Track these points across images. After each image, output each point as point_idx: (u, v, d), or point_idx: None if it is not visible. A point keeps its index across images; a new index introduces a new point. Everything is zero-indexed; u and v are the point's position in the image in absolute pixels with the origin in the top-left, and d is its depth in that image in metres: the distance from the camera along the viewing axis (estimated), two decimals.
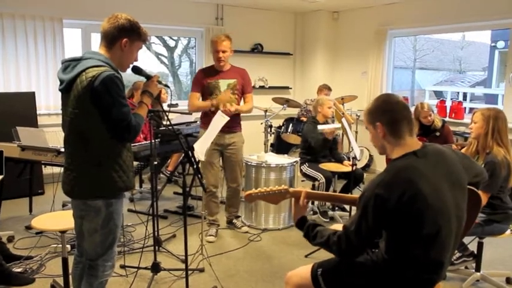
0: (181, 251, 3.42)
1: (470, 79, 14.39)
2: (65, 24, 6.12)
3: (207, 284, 3.44)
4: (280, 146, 6.64)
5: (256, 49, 7.82)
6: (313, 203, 5.08)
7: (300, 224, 2.18)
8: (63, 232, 2.83)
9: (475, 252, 3.47)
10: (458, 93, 13.18)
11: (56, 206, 4.44)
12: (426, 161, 1.87)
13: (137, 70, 2.57)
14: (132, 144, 4.38)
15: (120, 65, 2.38)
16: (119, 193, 2.39)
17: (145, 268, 3.47)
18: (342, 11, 7.81)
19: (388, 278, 1.91)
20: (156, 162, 3.57)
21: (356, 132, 6.78)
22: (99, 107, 2.18)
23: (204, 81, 4.17)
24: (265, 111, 6.41)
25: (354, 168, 4.39)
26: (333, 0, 6.91)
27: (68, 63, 2.29)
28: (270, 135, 6.60)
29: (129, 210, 5.00)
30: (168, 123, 3.07)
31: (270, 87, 7.97)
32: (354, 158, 4.27)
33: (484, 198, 3.10)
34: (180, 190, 5.91)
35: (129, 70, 2.53)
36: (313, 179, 4.78)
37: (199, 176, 3.05)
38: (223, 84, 4.17)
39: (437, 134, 4.86)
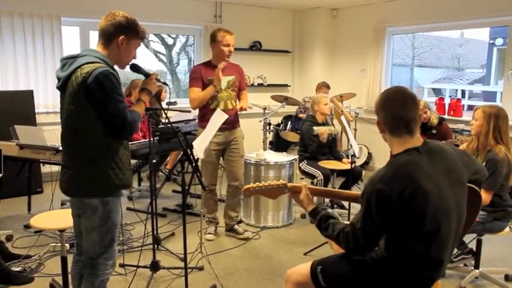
0: (180, 249, 3.42)
1: (469, 76, 14.39)
2: (63, 22, 6.10)
3: (207, 282, 3.44)
4: (279, 144, 6.64)
5: (255, 47, 7.82)
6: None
7: (313, 214, 2.17)
8: (62, 231, 2.82)
9: (474, 249, 3.47)
10: (456, 90, 13.19)
11: (54, 204, 4.43)
12: (427, 158, 1.86)
13: (135, 68, 2.56)
14: (131, 143, 4.39)
15: (118, 62, 2.37)
16: (116, 191, 2.38)
17: (145, 267, 3.46)
18: (340, 8, 7.80)
19: (388, 276, 1.91)
20: (154, 161, 3.56)
21: (355, 129, 6.77)
22: (93, 104, 2.17)
23: (204, 77, 4.02)
24: (264, 108, 6.41)
25: (353, 166, 4.39)
26: None
27: (66, 61, 2.29)
28: (269, 133, 6.60)
29: (128, 209, 4.99)
30: (166, 121, 3.06)
31: (268, 85, 7.96)
32: (353, 155, 4.27)
33: (487, 197, 3.10)
34: (179, 188, 5.90)
35: (128, 68, 2.52)
36: (312, 176, 4.79)
37: (198, 174, 3.03)
38: (223, 81, 4.04)
39: (434, 131, 4.85)
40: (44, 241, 4.05)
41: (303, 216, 5.02)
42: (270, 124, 6.51)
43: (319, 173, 4.70)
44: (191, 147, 3.40)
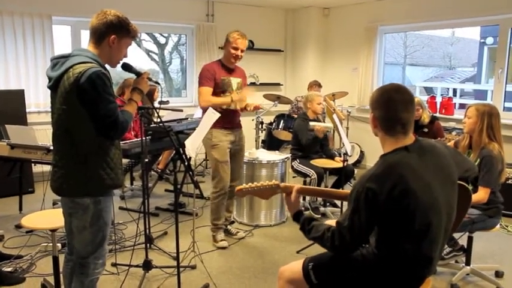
0: (172, 248, 3.41)
1: (460, 75, 14.50)
2: (54, 21, 6.07)
3: (199, 281, 3.44)
4: (271, 143, 6.65)
5: (247, 45, 7.79)
6: (304, 199, 5.09)
7: (297, 218, 2.18)
8: (53, 230, 2.81)
9: (465, 246, 3.50)
10: (448, 89, 13.28)
11: (46, 204, 4.40)
12: (417, 156, 1.87)
13: (127, 67, 2.56)
14: (123, 142, 4.38)
15: (109, 61, 2.36)
16: (107, 190, 2.38)
17: (137, 266, 3.45)
18: (332, 7, 7.82)
19: (379, 273, 1.92)
20: (147, 160, 3.55)
21: (347, 128, 6.80)
22: (85, 104, 2.17)
23: (218, 77, 3.91)
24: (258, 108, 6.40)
25: (345, 164, 4.40)
26: None
27: (57, 61, 2.28)
28: (261, 132, 6.61)
29: (121, 208, 4.98)
30: (158, 120, 3.06)
31: (261, 84, 7.97)
32: (345, 154, 4.29)
33: (485, 194, 3.12)
34: (171, 187, 5.89)
35: (119, 67, 2.52)
36: (305, 175, 4.80)
37: (191, 173, 3.03)
38: (234, 82, 4.01)
39: (425, 130, 4.88)
40: (35, 241, 4.03)
41: None
42: (262, 123, 6.52)
43: (313, 172, 4.71)
44: (183, 146, 3.39)
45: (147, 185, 3.63)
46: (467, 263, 3.47)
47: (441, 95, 11.52)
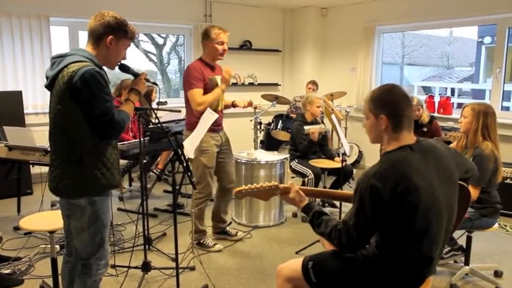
0: (171, 249, 3.41)
1: (458, 74, 14.52)
2: (52, 22, 6.05)
3: (198, 282, 3.43)
4: (269, 143, 6.65)
5: (245, 46, 7.81)
6: None
7: (306, 210, 2.17)
8: (51, 232, 2.80)
9: (464, 246, 3.50)
10: (446, 88, 13.29)
11: (44, 206, 4.39)
12: (420, 156, 1.88)
13: (124, 68, 2.55)
14: (122, 143, 4.38)
15: (106, 62, 2.36)
16: (103, 191, 2.36)
17: (136, 267, 3.45)
18: (330, 7, 7.82)
19: (379, 273, 1.92)
20: (145, 161, 3.55)
21: (345, 128, 6.79)
22: (79, 103, 2.16)
23: (206, 77, 3.81)
24: (255, 108, 6.40)
25: (344, 164, 4.40)
26: None
27: (54, 60, 2.29)
28: (260, 132, 6.60)
29: (119, 209, 4.97)
30: (156, 121, 3.05)
31: (259, 84, 7.96)
32: (344, 154, 4.28)
33: (474, 192, 3.12)
34: (170, 188, 5.88)
35: (117, 68, 2.51)
36: (303, 175, 4.80)
37: (189, 174, 3.03)
38: (218, 80, 3.93)
39: (425, 129, 4.89)
40: (33, 243, 4.02)
41: (294, 215, 5.03)
42: (260, 123, 6.51)
43: (310, 171, 4.71)
44: (181, 147, 3.39)
45: (146, 186, 3.63)
46: (467, 263, 3.47)
47: (439, 94, 11.53)
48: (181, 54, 8.02)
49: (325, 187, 5.02)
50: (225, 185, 4.16)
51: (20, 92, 5.59)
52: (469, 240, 3.43)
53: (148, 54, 8.59)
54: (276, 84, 8.30)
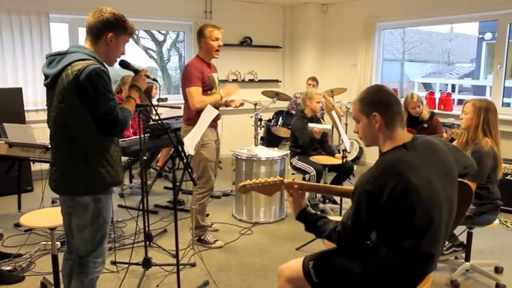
0: (172, 245, 3.41)
1: (459, 71, 14.49)
2: (52, 19, 6.04)
3: (199, 278, 3.43)
4: (270, 140, 6.64)
5: (246, 42, 7.80)
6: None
7: (300, 219, 2.18)
8: (52, 229, 2.80)
9: (465, 242, 3.50)
10: (446, 85, 13.27)
11: (45, 202, 4.39)
12: (416, 153, 1.87)
13: (125, 64, 2.54)
14: (122, 140, 4.37)
15: (106, 59, 2.35)
16: (107, 189, 2.37)
17: (137, 264, 3.45)
18: (330, 3, 7.80)
19: (380, 270, 1.91)
20: (145, 157, 3.54)
21: (346, 124, 6.79)
22: (85, 101, 2.15)
23: (205, 75, 3.85)
24: (255, 104, 6.39)
25: (344, 160, 4.40)
26: None
27: (53, 58, 2.26)
28: (260, 129, 6.59)
29: (120, 206, 4.97)
30: (157, 117, 3.05)
31: (259, 81, 7.97)
32: (344, 150, 4.28)
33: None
34: (170, 185, 5.88)
35: (117, 65, 2.50)
36: (304, 172, 4.80)
37: (190, 170, 3.02)
38: (215, 78, 4.00)
39: (425, 125, 4.89)
40: (34, 240, 4.02)
41: None
42: (261, 120, 6.50)
43: (312, 168, 4.71)
44: (182, 143, 3.39)
45: (146, 183, 3.63)
46: (467, 259, 3.47)
47: (440, 91, 11.51)
48: (182, 51, 8.01)
49: (325, 183, 5.02)
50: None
51: (20, 89, 5.58)
52: (469, 236, 3.43)
53: (149, 50, 8.57)
54: (277, 81, 8.30)
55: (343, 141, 4.25)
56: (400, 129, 1.94)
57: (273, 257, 3.87)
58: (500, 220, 4.48)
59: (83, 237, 2.36)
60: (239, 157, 4.67)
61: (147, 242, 3.54)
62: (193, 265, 3.64)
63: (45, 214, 2.91)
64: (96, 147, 2.27)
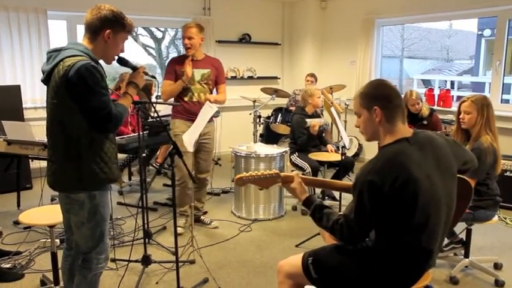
0: (171, 243, 3.41)
1: (458, 67, 14.49)
2: (50, 16, 6.02)
3: (198, 275, 3.43)
4: (269, 136, 6.64)
5: (244, 39, 7.78)
6: None
7: (307, 203, 2.17)
8: (51, 226, 2.81)
9: (464, 239, 3.50)
10: (446, 81, 13.27)
11: (44, 200, 4.39)
12: (417, 148, 1.87)
13: (123, 61, 2.53)
14: (121, 137, 4.37)
15: (104, 56, 2.34)
16: (102, 185, 2.36)
17: (136, 261, 3.45)
18: (329, 0, 7.78)
19: (379, 267, 1.92)
20: (144, 154, 3.54)
21: (345, 121, 6.79)
22: (74, 97, 2.14)
23: (177, 69, 4.07)
24: (254, 101, 6.40)
25: (343, 157, 4.40)
26: None
27: (50, 54, 2.27)
28: (259, 126, 6.59)
29: (119, 203, 4.97)
30: (155, 114, 3.04)
31: (258, 78, 7.95)
32: (343, 147, 4.28)
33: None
34: (169, 182, 5.88)
35: (116, 62, 2.50)
36: (302, 169, 4.80)
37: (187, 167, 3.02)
38: (197, 74, 4.09)
39: (425, 122, 4.89)
40: (33, 237, 4.02)
41: (294, 208, 5.03)
42: (260, 117, 6.51)
43: (307, 165, 4.72)
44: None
45: (145, 180, 3.62)
46: (466, 255, 3.47)
47: (439, 87, 11.51)
48: (180, 48, 7.99)
49: None
50: (196, 174, 4.34)
51: (19, 86, 5.56)
52: (468, 232, 3.44)
53: (147, 48, 8.57)
54: (276, 78, 8.29)
55: (342, 138, 4.24)
56: (401, 123, 1.94)
57: (272, 253, 3.87)
58: (499, 216, 4.48)
59: (83, 234, 2.36)
60: (238, 154, 4.67)
61: (147, 239, 3.55)
62: (192, 262, 3.64)
63: (44, 212, 2.92)
64: (89, 144, 2.25)
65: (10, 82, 5.74)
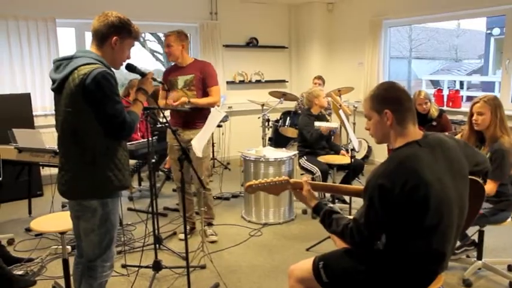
0: (182, 248, 3.41)
1: (467, 67, 14.40)
2: (58, 24, 6.08)
3: (209, 280, 3.43)
4: (278, 140, 6.63)
5: (252, 43, 7.80)
6: None
7: (316, 210, 2.16)
8: (63, 233, 2.82)
9: (476, 240, 3.46)
10: (455, 81, 13.19)
11: (55, 207, 4.42)
12: (428, 151, 1.86)
13: (131, 68, 2.55)
14: (130, 143, 4.39)
15: (112, 63, 2.35)
16: (115, 193, 2.37)
17: (147, 267, 3.46)
18: (336, 2, 7.78)
19: (390, 270, 1.90)
20: (153, 160, 3.55)
21: (354, 123, 6.76)
22: (92, 105, 2.16)
23: (166, 78, 4.10)
24: (262, 105, 6.39)
25: (353, 160, 4.38)
26: None
27: (60, 63, 2.27)
28: (268, 129, 6.58)
29: (129, 209, 4.99)
30: (164, 120, 3.05)
31: (266, 81, 7.96)
32: (353, 149, 4.26)
33: (493, 187, 3.05)
34: None
35: (124, 68, 2.51)
36: (311, 173, 4.78)
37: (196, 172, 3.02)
38: (181, 80, 4.01)
39: (434, 123, 4.84)
40: (45, 244, 4.05)
41: (304, 212, 5.01)
42: (268, 120, 6.49)
43: (317, 169, 4.70)
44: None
45: (155, 186, 3.63)
46: (479, 258, 3.43)
47: (448, 87, 11.44)
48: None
49: (334, 183, 4.99)
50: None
51: (29, 94, 5.62)
52: (481, 234, 3.39)
53: (155, 53, 8.61)
54: (284, 81, 8.29)
55: (351, 141, 4.23)
56: (412, 126, 1.93)
57: (283, 257, 3.86)
58: None
59: (91, 241, 2.37)
60: (247, 158, 4.66)
61: (157, 245, 3.55)
62: (203, 267, 3.64)
63: (55, 218, 2.93)
64: (104, 151, 2.27)
65: (20, 90, 5.80)
